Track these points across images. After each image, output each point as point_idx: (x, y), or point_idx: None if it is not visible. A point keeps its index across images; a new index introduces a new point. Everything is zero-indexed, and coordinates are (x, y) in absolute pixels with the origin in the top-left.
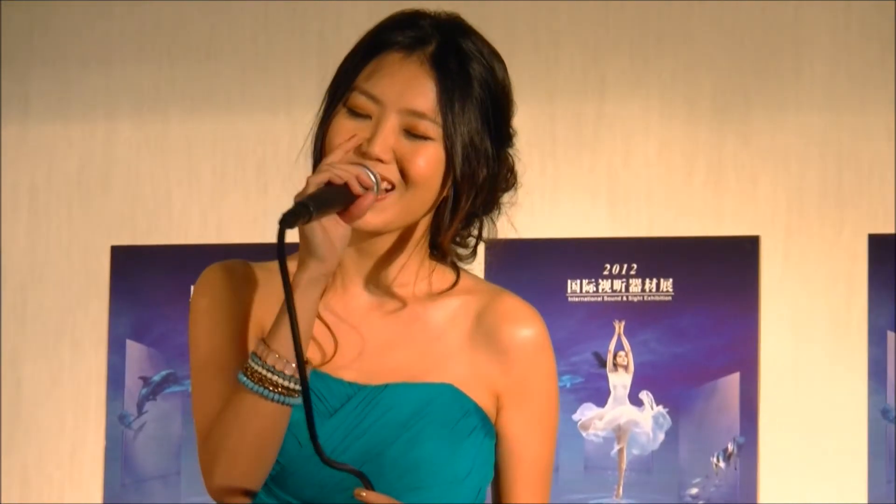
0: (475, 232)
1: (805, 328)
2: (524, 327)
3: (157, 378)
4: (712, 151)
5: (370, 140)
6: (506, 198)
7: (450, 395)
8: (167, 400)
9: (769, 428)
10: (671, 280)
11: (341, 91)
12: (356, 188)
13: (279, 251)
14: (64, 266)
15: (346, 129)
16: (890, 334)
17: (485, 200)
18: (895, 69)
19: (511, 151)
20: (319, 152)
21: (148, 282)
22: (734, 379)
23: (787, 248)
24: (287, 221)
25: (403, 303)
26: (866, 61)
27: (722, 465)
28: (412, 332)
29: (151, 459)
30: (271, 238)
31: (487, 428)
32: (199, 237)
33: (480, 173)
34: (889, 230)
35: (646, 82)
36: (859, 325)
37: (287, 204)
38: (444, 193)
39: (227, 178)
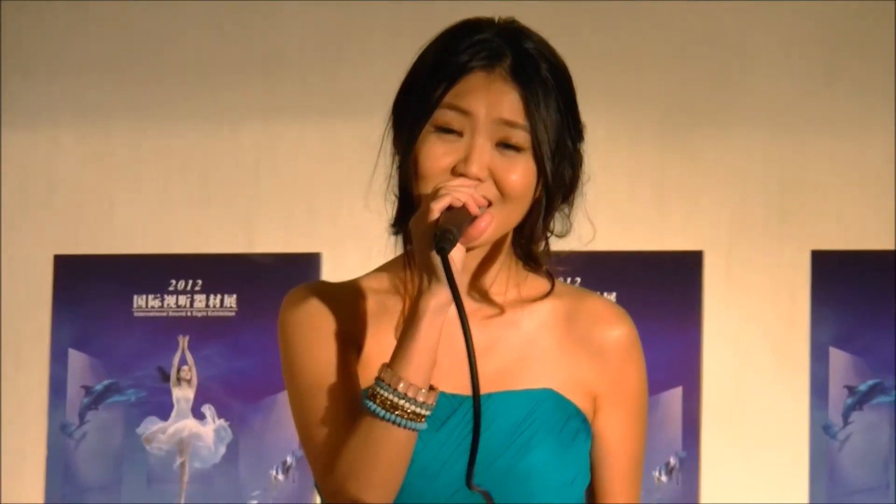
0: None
1: (748, 343)
2: (616, 327)
3: (99, 388)
4: (656, 167)
5: (466, 160)
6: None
7: (553, 401)
8: (109, 410)
9: (711, 443)
10: (614, 294)
11: (426, 112)
12: (474, 209)
13: (450, 278)
14: (6, 275)
15: (437, 150)
16: (832, 350)
17: (567, 199)
18: (837, 89)
19: (581, 146)
20: (407, 175)
21: (91, 291)
22: (676, 393)
23: (729, 263)
24: (446, 250)
25: (501, 309)
26: (809, 81)
27: (664, 479)
28: (507, 338)
29: (93, 469)
30: (214, 248)
31: (587, 430)
32: (143, 247)
33: (567, 174)
34: (832, 246)
35: (591, 99)
36: (801, 340)
37: (231, 214)
38: (536, 198)
39: (171, 188)
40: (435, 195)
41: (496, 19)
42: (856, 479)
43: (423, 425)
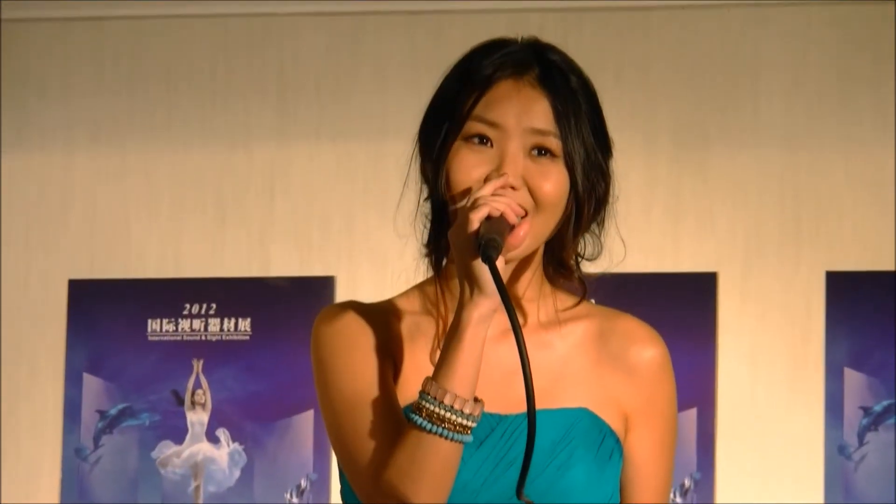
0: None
1: (762, 364)
2: (650, 347)
3: (113, 412)
4: (670, 188)
5: (499, 169)
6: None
7: (588, 420)
8: (123, 434)
9: (726, 463)
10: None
11: (455, 125)
12: (513, 218)
13: (499, 284)
14: (21, 299)
15: (469, 161)
16: (847, 370)
17: (598, 214)
18: (851, 108)
19: (610, 161)
20: (439, 189)
21: (105, 315)
22: (691, 414)
23: (744, 284)
24: (492, 258)
25: (529, 323)
26: (823, 99)
27: (679, 501)
28: (540, 357)
29: (107, 493)
30: (229, 272)
31: (620, 450)
32: (157, 271)
33: (599, 187)
34: (846, 267)
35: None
36: (816, 361)
37: (245, 237)
38: (567, 210)
39: (185, 211)
40: (473, 206)
41: (519, 38)
42: (871, 499)
43: (469, 437)
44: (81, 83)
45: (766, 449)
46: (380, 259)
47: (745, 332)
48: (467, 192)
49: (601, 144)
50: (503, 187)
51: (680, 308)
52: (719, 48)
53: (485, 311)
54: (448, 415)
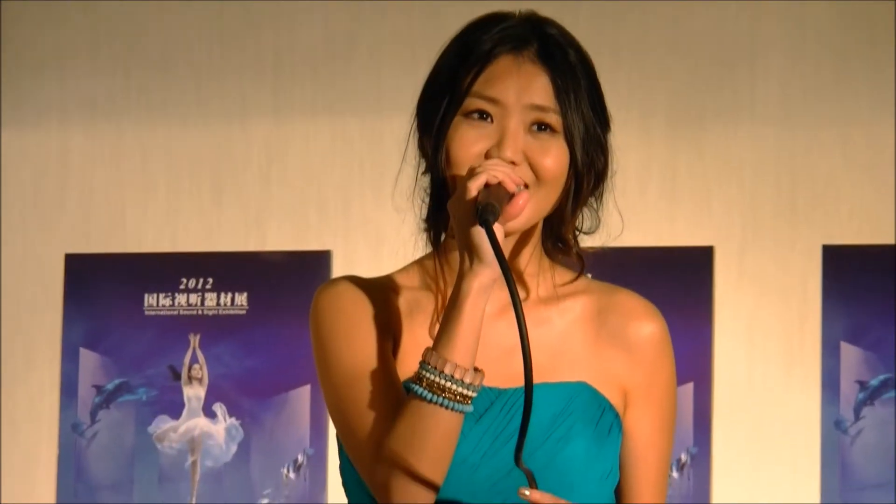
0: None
1: (759, 339)
2: (649, 323)
3: (110, 387)
4: (666, 163)
5: (500, 144)
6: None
7: (588, 394)
8: (120, 409)
9: (722, 438)
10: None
11: (454, 101)
12: (511, 187)
13: (496, 248)
14: (17, 274)
15: (469, 137)
16: (843, 345)
17: (598, 188)
18: (847, 83)
19: (609, 136)
20: (439, 164)
21: (102, 290)
22: (688, 389)
23: (741, 258)
24: (489, 222)
25: (529, 298)
26: (820, 74)
27: (675, 475)
28: (539, 333)
29: (104, 468)
30: (224, 247)
31: (619, 426)
32: (154, 246)
33: (598, 161)
34: (843, 241)
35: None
36: (813, 336)
37: (242, 213)
38: (567, 185)
39: (182, 187)
40: (471, 174)
41: (517, 11)
42: (867, 474)
43: (469, 407)
44: (78, 61)
45: (762, 424)
46: (376, 234)
47: (741, 307)
48: (466, 166)
49: (600, 119)
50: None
51: (676, 283)
52: (716, 26)
53: (485, 281)
54: (448, 384)
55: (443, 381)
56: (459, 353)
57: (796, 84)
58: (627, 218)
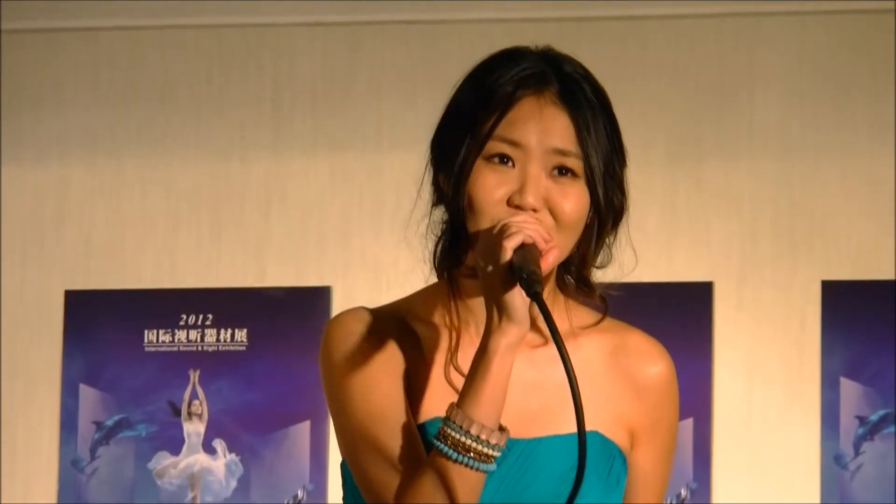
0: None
1: (758, 374)
2: (657, 363)
3: (109, 422)
4: (665, 197)
5: (521, 191)
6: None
7: (599, 444)
8: (120, 444)
9: (722, 473)
10: None
11: (476, 143)
12: (543, 245)
13: (550, 322)
14: (17, 310)
15: (491, 182)
16: (843, 380)
17: (616, 226)
18: (846, 117)
19: (626, 171)
20: (459, 208)
21: (101, 326)
22: (688, 424)
23: (740, 293)
24: (540, 294)
25: (545, 339)
26: (819, 110)
27: None
28: (552, 375)
29: None
30: (224, 283)
31: (625, 471)
32: (153, 282)
33: (617, 199)
34: (842, 276)
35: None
36: (812, 370)
37: (241, 248)
38: (589, 226)
39: (180, 222)
40: (503, 233)
41: (533, 47)
42: None
43: (493, 466)
44: (77, 94)
45: (762, 458)
46: (375, 269)
47: (741, 342)
48: (488, 213)
49: (618, 155)
50: (512, 208)
51: (676, 318)
52: (715, 58)
53: (513, 340)
54: (473, 444)
55: (467, 441)
56: (485, 412)
57: (795, 118)
58: (627, 252)
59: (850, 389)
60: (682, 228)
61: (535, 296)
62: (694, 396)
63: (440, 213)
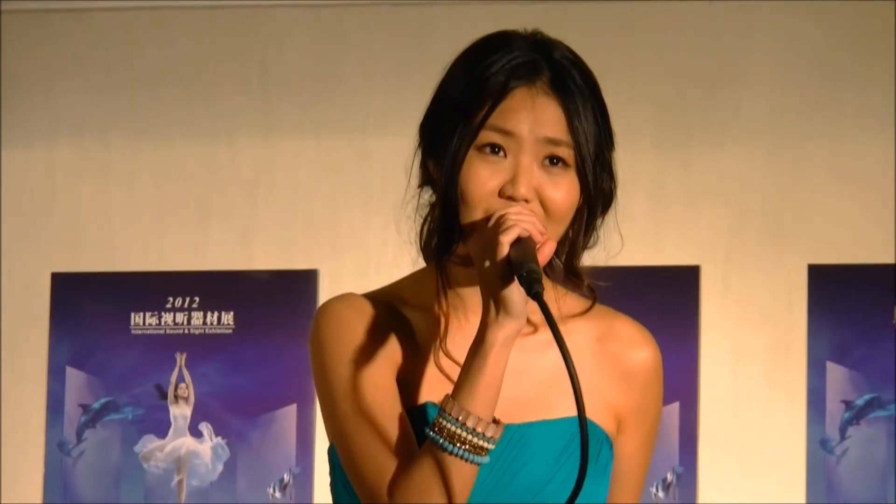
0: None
1: (745, 358)
2: (644, 350)
3: (96, 405)
4: (652, 181)
5: (514, 182)
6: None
7: (588, 431)
8: (106, 428)
9: (708, 457)
10: None
11: (468, 133)
12: (539, 238)
13: (551, 322)
14: (4, 293)
15: (483, 173)
16: (829, 364)
17: (605, 211)
18: (834, 101)
19: (614, 154)
20: (451, 198)
21: (88, 309)
22: (674, 408)
23: (726, 277)
24: (541, 294)
25: (535, 328)
26: (807, 95)
27: (661, 495)
28: (541, 362)
29: (90, 487)
30: (211, 266)
31: (612, 456)
32: (140, 264)
33: (607, 186)
34: (829, 260)
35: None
36: (798, 355)
37: (229, 232)
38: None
39: (169, 205)
40: (499, 227)
41: (522, 31)
42: (853, 493)
43: (486, 459)
44: (64, 78)
45: (748, 443)
46: (363, 253)
47: (727, 326)
48: (481, 204)
49: (607, 140)
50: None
51: (662, 301)
52: (703, 43)
53: (511, 333)
54: (468, 436)
55: (462, 433)
56: (480, 404)
57: (783, 103)
58: (613, 236)
59: (836, 374)
60: (669, 213)
61: (536, 296)
62: (680, 380)
63: (427, 196)
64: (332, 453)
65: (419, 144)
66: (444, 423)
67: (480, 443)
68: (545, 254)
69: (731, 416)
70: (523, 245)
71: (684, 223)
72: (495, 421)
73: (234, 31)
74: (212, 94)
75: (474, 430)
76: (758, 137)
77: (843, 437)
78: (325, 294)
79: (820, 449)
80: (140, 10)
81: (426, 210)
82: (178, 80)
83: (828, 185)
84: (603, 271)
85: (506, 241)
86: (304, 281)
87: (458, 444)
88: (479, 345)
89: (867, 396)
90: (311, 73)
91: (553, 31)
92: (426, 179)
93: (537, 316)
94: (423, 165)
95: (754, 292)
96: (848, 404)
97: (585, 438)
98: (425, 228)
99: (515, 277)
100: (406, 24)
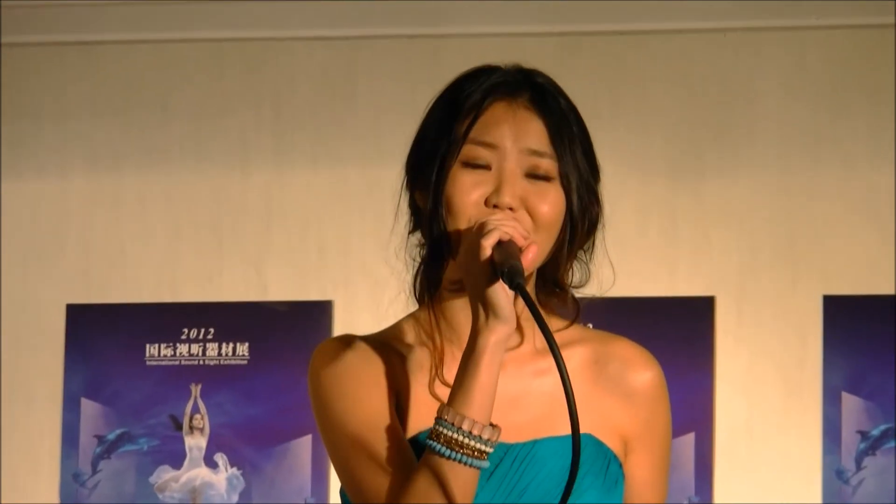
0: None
1: (759, 388)
2: (646, 370)
3: (111, 436)
4: (665, 212)
5: (498, 190)
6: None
7: (593, 446)
8: (121, 458)
9: (724, 488)
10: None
11: (451, 150)
12: (521, 241)
13: (535, 312)
14: (19, 324)
15: (467, 184)
16: (844, 395)
17: (591, 236)
18: (846, 131)
19: (599, 187)
20: (439, 216)
21: (103, 340)
22: (689, 439)
23: (741, 308)
24: (522, 285)
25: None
26: (818, 123)
27: None
28: (537, 387)
29: None
30: (226, 296)
31: (622, 475)
32: (154, 296)
33: (592, 209)
34: (843, 291)
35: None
36: (813, 385)
37: (242, 262)
38: (563, 232)
39: (181, 235)
40: (481, 231)
41: (503, 65)
42: None
43: (486, 463)
44: (77, 108)
45: (763, 473)
46: (377, 283)
47: (742, 356)
48: (465, 214)
49: (592, 168)
50: (489, 209)
51: (677, 332)
52: (714, 72)
53: (501, 337)
54: (466, 440)
55: (460, 437)
56: (476, 408)
57: (795, 132)
58: (626, 266)
59: (851, 404)
60: (682, 243)
61: (518, 287)
62: (695, 411)
63: (417, 239)
64: (344, 495)
65: (405, 183)
66: (441, 429)
67: (478, 446)
68: (529, 258)
69: (746, 447)
70: (505, 248)
71: (698, 254)
72: (492, 425)
73: (246, 62)
74: (224, 124)
75: (471, 433)
76: (770, 167)
77: (858, 467)
78: (339, 325)
79: (836, 479)
80: (154, 43)
81: (416, 252)
82: (190, 111)
83: (841, 214)
84: (617, 302)
85: (487, 244)
86: (319, 312)
87: (457, 449)
88: (470, 351)
89: (882, 427)
90: (323, 101)
91: (566, 61)
92: (415, 219)
93: (536, 339)
94: (412, 203)
95: (769, 323)
96: (863, 434)
97: (577, 434)
98: (417, 277)
99: (500, 278)
100: (418, 54)
